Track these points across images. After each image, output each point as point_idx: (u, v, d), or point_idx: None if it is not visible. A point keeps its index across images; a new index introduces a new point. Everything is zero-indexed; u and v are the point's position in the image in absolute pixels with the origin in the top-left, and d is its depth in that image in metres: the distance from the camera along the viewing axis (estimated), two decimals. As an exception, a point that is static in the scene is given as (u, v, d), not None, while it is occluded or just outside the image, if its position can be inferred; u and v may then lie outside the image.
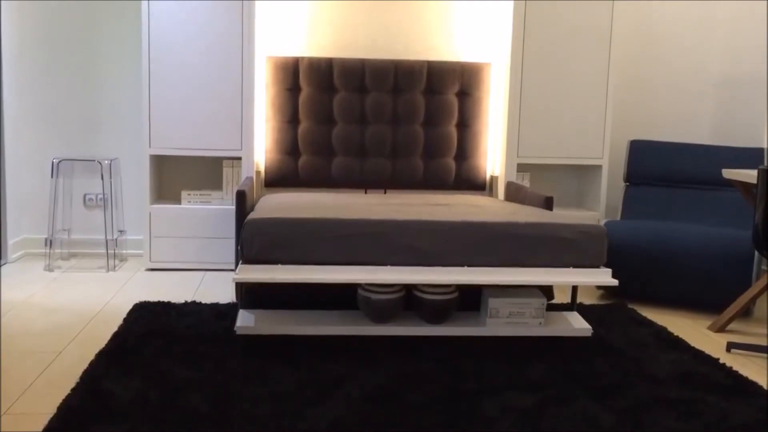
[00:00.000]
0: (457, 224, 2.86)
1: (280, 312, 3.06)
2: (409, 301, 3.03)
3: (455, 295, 2.95)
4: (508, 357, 2.85)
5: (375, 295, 2.89)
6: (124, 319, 3.20)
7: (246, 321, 2.92)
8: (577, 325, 3.03)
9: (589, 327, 3.02)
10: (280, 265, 2.79)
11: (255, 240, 2.78)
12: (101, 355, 2.74)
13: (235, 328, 2.93)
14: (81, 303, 3.54)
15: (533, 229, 2.89)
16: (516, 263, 2.88)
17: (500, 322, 2.97)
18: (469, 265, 2.86)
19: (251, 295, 3.14)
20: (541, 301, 2.97)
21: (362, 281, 2.76)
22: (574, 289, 3.24)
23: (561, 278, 2.83)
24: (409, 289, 3.04)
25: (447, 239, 2.84)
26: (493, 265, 2.87)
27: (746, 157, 4.09)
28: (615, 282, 2.85)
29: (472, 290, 3.17)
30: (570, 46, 4.30)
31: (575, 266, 2.91)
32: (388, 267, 2.82)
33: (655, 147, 4.25)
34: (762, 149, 4.08)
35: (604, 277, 2.88)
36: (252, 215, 2.92)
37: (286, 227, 2.80)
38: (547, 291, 3.27)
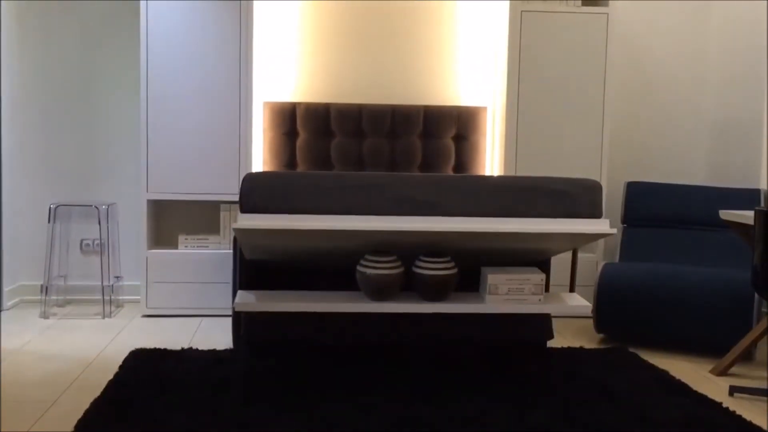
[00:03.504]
0: (455, 177, 2.87)
1: (279, 292, 3.07)
2: (408, 281, 3.04)
3: (454, 270, 2.95)
4: (508, 400, 2.82)
5: (372, 270, 2.88)
6: (120, 367, 3.16)
7: (245, 299, 2.91)
8: (576, 303, 3.03)
9: (589, 304, 3.01)
10: (279, 215, 2.76)
11: (255, 191, 2.76)
12: (96, 403, 2.70)
13: (233, 305, 2.92)
14: (76, 350, 3.50)
15: (528, 181, 2.90)
16: (512, 215, 2.88)
17: (500, 299, 2.97)
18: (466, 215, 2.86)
19: (250, 278, 3.14)
20: (540, 277, 2.98)
21: (361, 228, 2.71)
22: (573, 271, 3.23)
23: (557, 226, 2.81)
24: (407, 265, 3.03)
25: (445, 190, 2.83)
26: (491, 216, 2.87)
27: (742, 197, 4.10)
28: (613, 231, 2.84)
29: (471, 268, 3.16)
30: (565, 89, 4.34)
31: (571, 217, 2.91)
32: (388, 216, 2.80)
33: (651, 189, 4.27)
34: (758, 190, 4.09)
35: (600, 226, 2.86)
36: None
37: (285, 179, 2.79)
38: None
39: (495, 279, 2.96)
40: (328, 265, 3.31)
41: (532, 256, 3.23)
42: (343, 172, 2.85)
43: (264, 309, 2.90)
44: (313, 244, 2.92)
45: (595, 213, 2.91)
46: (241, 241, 2.86)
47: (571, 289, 3.26)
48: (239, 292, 3.05)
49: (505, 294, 2.98)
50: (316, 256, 3.13)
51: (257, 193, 2.76)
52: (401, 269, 2.94)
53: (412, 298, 3.03)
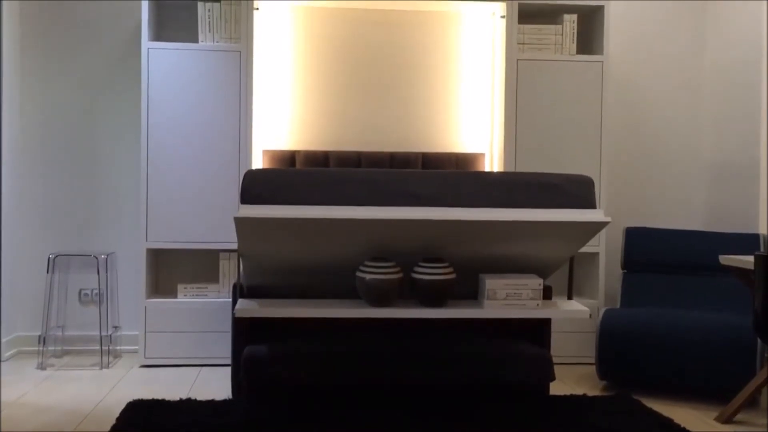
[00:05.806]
0: (455, 173, 2.91)
1: (279, 300, 3.09)
2: (408, 290, 3.05)
3: (453, 276, 2.95)
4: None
5: (370, 275, 2.87)
6: (117, 419, 3.12)
7: (246, 305, 2.91)
8: (574, 308, 3.04)
9: (587, 309, 3.02)
10: (280, 205, 2.75)
11: (256, 185, 2.76)
12: (93, 457, 2.67)
13: (234, 311, 2.91)
14: (73, 402, 3.46)
15: (523, 176, 2.95)
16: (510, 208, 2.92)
17: (498, 304, 2.99)
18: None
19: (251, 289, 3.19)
20: (538, 282, 3.00)
21: (361, 217, 2.71)
22: (570, 279, 3.24)
23: (552, 216, 2.83)
24: (406, 273, 3.03)
25: (445, 186, 2.85)
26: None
27: (742, 242, 4.10)
28: (608, 219, 2.85)
29: (470, 274, 3.16)
30: (561, 136, 4.38)
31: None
32: (387, 207, 2.81)
33: (651, 234, 4.27)
34: (757, 235, 4.10)
35: (595, 215, 2.87)
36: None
37: (287, 174, 2.80)
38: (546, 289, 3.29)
39: (493, 284, 2.99)
40: (326, 289, 3.29)
41: (531, 269, 3.24)
42: (345, 169, 2.87)
43: (264, 315, 2.91)
44: (312, 247, 2.90)
45: (589, 206, 2.96)
46: (240, 244, 2.85)
47: (569, 297, 3.28)
48: (240, 300, 3.05)
49: (504, 299, 3.00)
50: (313, 270, 3.11)
51: (258, 186, 2.78)
52: (400, 275, 2.96)
53: (411, 304, 3.04)
